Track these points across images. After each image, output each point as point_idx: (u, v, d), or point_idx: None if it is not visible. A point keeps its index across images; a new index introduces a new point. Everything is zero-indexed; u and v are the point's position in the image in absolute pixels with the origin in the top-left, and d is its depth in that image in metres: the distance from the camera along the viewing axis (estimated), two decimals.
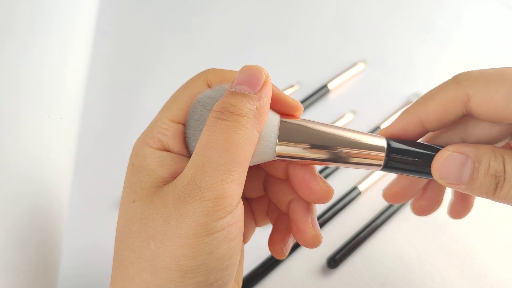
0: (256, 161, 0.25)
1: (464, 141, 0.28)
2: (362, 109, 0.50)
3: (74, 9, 0.48)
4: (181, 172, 0.24)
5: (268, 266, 0.40)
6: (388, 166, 0.26)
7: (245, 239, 0.32)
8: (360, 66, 0.53)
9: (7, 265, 0.30)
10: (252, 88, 0.23)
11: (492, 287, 0.39)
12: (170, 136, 0.25)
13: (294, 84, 0.51)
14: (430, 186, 0.32)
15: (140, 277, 0.23)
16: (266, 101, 0.24)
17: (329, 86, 0.51)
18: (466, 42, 0.57)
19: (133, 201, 0.24)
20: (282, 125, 0.25)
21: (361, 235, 0.41)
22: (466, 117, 0.27)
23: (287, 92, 0.50)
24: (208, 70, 0.27)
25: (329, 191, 0.27)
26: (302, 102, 0.50)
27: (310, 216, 0.28)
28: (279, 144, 0.25)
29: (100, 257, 0.40)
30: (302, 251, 0.41)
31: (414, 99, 0.50)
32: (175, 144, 0.25)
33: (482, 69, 0.26)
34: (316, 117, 0.49)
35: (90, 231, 0.42)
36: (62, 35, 0.45)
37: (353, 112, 0.49)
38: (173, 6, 0.59)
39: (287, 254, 0.29)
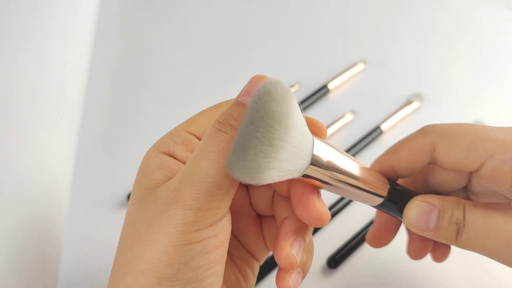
0: (280, 177, 0.23)
1: (428, 186, 0.31)
2: (362, 109, 0.50)
3: (74, 9, 0.48)
4: None
5: (268, 266, 0.40)
6: (382, 205, 0.29)
7: (260, 260, 0.31)
8: (360, 66, 0.53)
9: (7, 266, 0.30)
10: None
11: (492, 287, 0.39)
12: (178, 142, 0.26)
13: (294, 84, 0.51)
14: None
15: (124, 280, 0.23)
16: None
17: (329, 86, 0.51)
18: (467, 43, 0.57)
19: (132, 204, 0.25)
20: (316, 143, 0.25)
21: (361, 235, 0.41)
22: (431, 165, 0.30)
23: None
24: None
25: (323, 214, 0.25)
26: (302, 102, 0.50)
27: (293, 236, 0.26)
28: (311, 164, 0.24)
29: (100, 257, 0.40)
30: None
31: (414, 99, 0.50)
32: (181, 150, 0.26)
33: (446, 123, 0.29)
34: (316, 117, 0.49)
35: (90, 231, 0.42)
36: (62, 35, 0.45)
37: (353, 112, 0.49)
38: (173, 6, 0.59)
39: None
